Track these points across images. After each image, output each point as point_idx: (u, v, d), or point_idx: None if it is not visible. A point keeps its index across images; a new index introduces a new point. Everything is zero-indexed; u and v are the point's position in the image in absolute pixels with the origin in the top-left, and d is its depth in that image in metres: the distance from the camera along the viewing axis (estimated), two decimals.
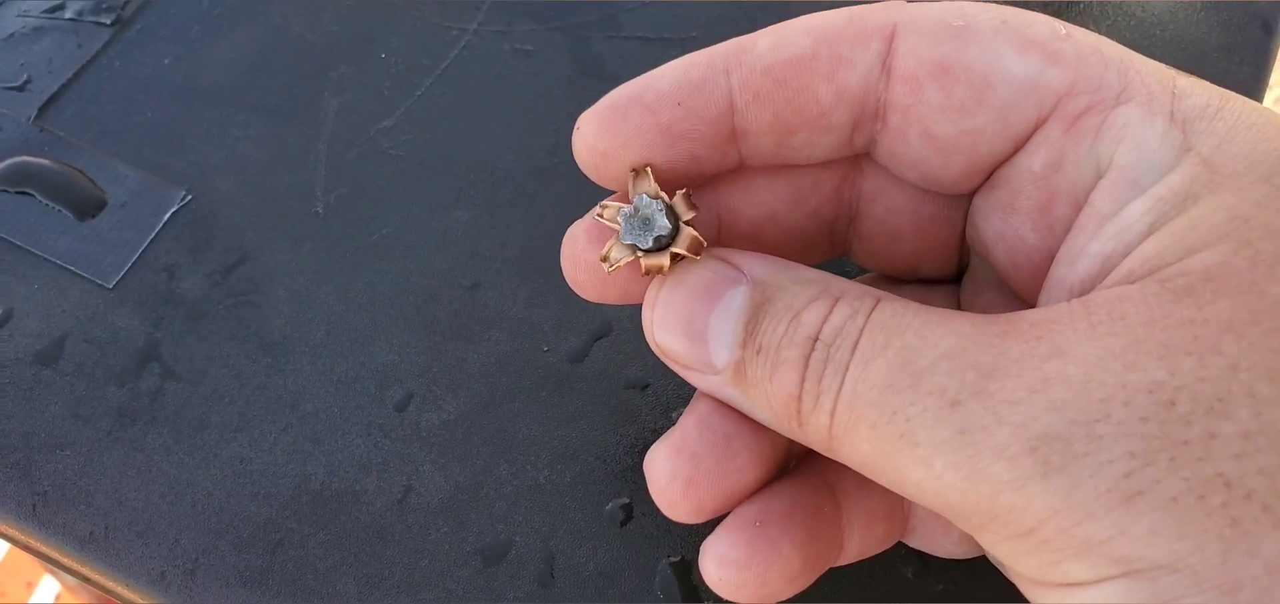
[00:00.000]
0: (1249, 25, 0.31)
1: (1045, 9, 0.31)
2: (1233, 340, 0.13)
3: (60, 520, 0.23)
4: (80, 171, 0.29)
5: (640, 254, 0.17)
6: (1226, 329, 0.13)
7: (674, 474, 0.17)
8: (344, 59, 0.31)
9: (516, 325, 0.26)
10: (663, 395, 0.25)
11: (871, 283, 0.20)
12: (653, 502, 0.23)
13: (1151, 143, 0.15)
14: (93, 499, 0.23)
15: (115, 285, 0.27)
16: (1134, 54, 0.16)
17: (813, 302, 0.16)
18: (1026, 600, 0.19)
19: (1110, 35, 0.18)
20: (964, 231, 0.20)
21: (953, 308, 0.19)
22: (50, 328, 0.26)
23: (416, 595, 0.22)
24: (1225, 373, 0.13)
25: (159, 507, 0.23)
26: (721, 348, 0.16)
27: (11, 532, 0.23)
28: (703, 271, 0.17)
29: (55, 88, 0.30)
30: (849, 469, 0.19)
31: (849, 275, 0.19)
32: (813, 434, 0.16)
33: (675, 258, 0.17)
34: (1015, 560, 0.14)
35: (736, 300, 0.16)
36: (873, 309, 0.15)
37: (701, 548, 0.18)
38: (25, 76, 0.30)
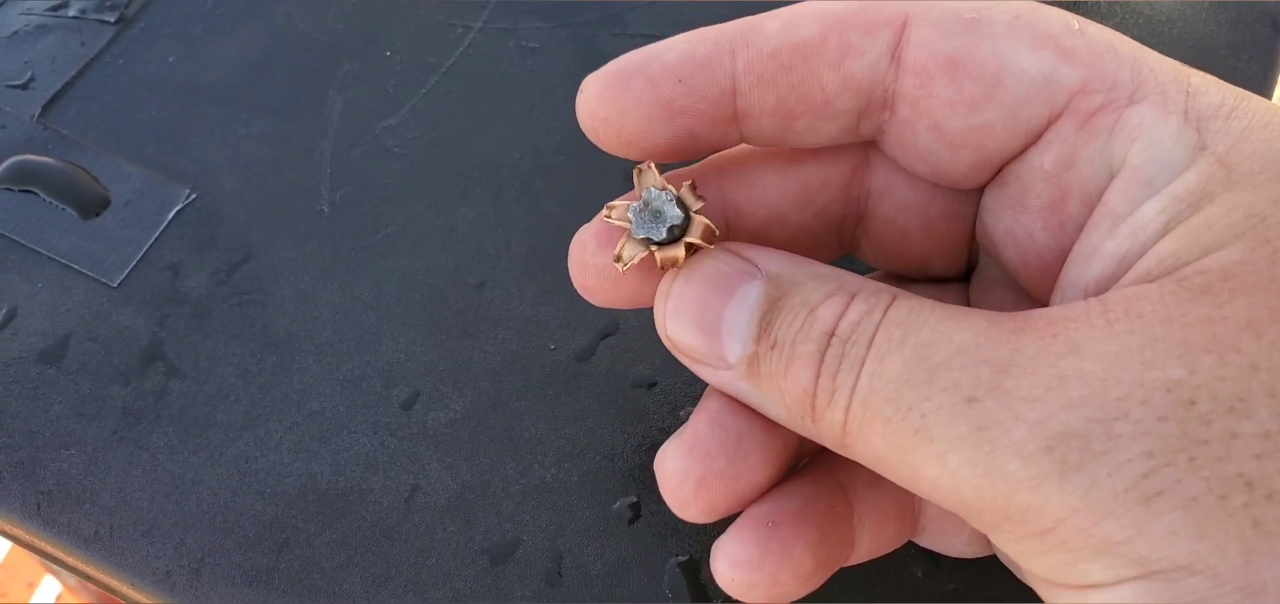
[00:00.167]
0: (1258, 22, 0.31)
1: (1054, 4, 0.31)
2: (1252, 338, 0.13)
3: (65, 520, 0.23)
4: (84, 170, 0.28)
5: (654, 248, 0.17)
6: (1245, 327, 0.13)
7: (686, 473, 0.17)
8: (348, 57, 0.31)
9: (523, 323, 0.26)
10: (670, 394, 0.25)
11: (880, 280, 0.20)
12: (660, 501, 0.23)
13: (1166, 142, 0.15)
14: (97, 498, 0.23)
15: (119, 284, 0.26)
16: (1147, 51, 0.16)
17: (829, 297, 0.16)
18: (1039, 601, 0.19)
19: (1119, 31, 0.17)
20: (973, 229, 0.20)
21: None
22: (54, 326, 0.26)
23: (423, 594, 0.22)
24: (1245, 372, 0.13)
25: (164, 506, 0.23)
26: (735, 342, 0.16)
27: (16, 531, 0.23)
28: (717, 265, 0.17)
29: (59, 86, 0.30)
30: (860, 468, 0.19)
31: (858, 273, 0.19)
32: (826, 430, 0.16)
33: (690, 249, 0.17)
34: (1031, 561, 0.14)
35: (751, 294, 0.16)
36: (889, 305, 0.15)
37: (713, 548, 0.18)
38: (29, 75, 0.30)
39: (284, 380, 0.25)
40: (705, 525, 0.23)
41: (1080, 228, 0.16)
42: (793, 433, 0.18)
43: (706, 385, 0.18)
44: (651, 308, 0.18)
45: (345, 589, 0.22)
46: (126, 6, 0.32)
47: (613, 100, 0.17)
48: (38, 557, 0.24)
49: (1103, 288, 0.15)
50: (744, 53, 0.17)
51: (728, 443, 0.17)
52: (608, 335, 0.26)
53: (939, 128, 0.17)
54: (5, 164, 0.28)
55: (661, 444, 0.18)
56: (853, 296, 0.16)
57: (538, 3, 0.32)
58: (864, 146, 0.19)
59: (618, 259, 0.17)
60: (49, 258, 0.27)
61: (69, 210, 0.28)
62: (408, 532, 0.23)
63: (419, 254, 0.27)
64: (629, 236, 0.17)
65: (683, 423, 0.18)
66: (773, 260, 0.17)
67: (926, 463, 0.14)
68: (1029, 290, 0.18)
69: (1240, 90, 0.15)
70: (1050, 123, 0.16)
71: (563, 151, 0.29)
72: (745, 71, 0.17)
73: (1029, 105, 0.16)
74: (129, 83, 0.30)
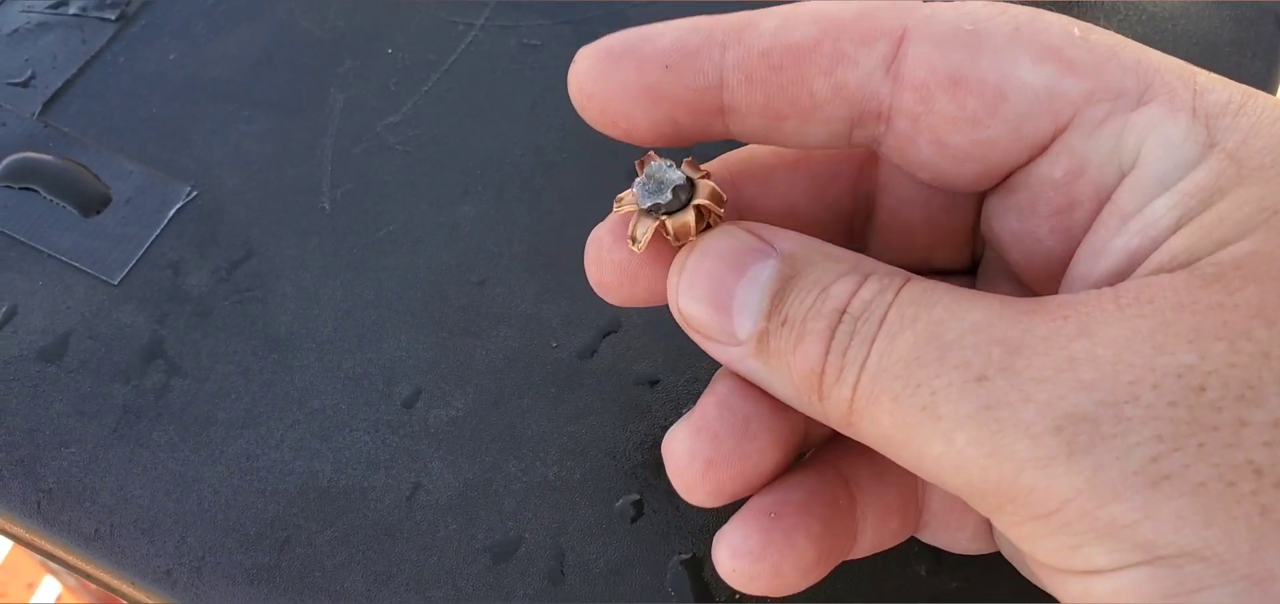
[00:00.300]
0: (1261, 19, 0.31)
1: (1055, 6, 0.31)
2: (1264, 326, 0.13)
3: (65, 518, 0.23)
4: (85, 167, 0.28)
5: (664, 217, 0.17)
6: (1257, 315, 0.13)
7: (694, 454, 0.17)
8: (350, 54, 0.31)
9: (525, 321, 0.26)
10: (673, 391, 0.25)
11: None
12: (663, 498, 0.23)
13: (1175, 139, 0.15)
14: (97, 496, 0.23)
15: (120, 282, 0.26)
16: (1152, 52, 0.16)
17: (842, 276, 0.16)
18: (1042, 597, 0.19)
19: (1122, 31, 0.17)
20: (977, 224, 0.20)
21: None
22: (55, 324, 0.26)
23: (425, 593, 0.22)
24: (1256, 359, 0.13)
25: (164, 504, 0.23)
26: (746, 318, 0.16)
27: (16, 529, 0.23)
28: (732, 242, 0.17)
29: (60, 83, 0.30)
30: (864, 461, 0.19)
31: None
32: (832, 409, 0.16)
33: (700, 215, 0.17)
34: (1034, 544, 0.14)
35: (765, 272, 0.16)
36: (902, 286, 0.15)
37: (715, 538, 0.18)
38: (30, 72, 0.30)
39: (285, 378, 0.25)
40: (708, 524, 0.23)
41: (1088, 230, 0.16)
42: (800, 417, 0.18)
43: (711, 379, 0.18)
44: (665, 305, 0.18)
45: (347, 588, 0.22)
46: (127, 4, 0.32)
47: (600, 78, 0.17)
48: (38, 556, 0.24)
49: (1111, 283, 0.15)
50: (735, 48, 0.17)
51: (736, 425, 0.17)
52: (610, 333, 0.25)
53: (941, 143, 0.17)
54: (6, 162, 0.28)
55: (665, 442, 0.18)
56: (866, 277, 0.15)
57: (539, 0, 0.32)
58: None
59: (632, 240, 0.18)
60: (49, 255, 0.27)
61: (69, 208, 0.28)
62: (409, 530, 0.23)
63: (420, 251, 0.27)
64: (639, 215, 0.17)
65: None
66: (788, 240, 0.17)
67: (932, 441, 0.14)
68: (1035, 288, 0.18)
69: (1247, 87, 0.15)
70: (1055, 136, 0.16)
71: (564, 149, 0.29)
72: (735, 68, 0.17)
73: (1033, 119, 0.16)
74: (130, 80, 0.30)
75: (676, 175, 0.17)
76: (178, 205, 0.28)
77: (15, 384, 0.25)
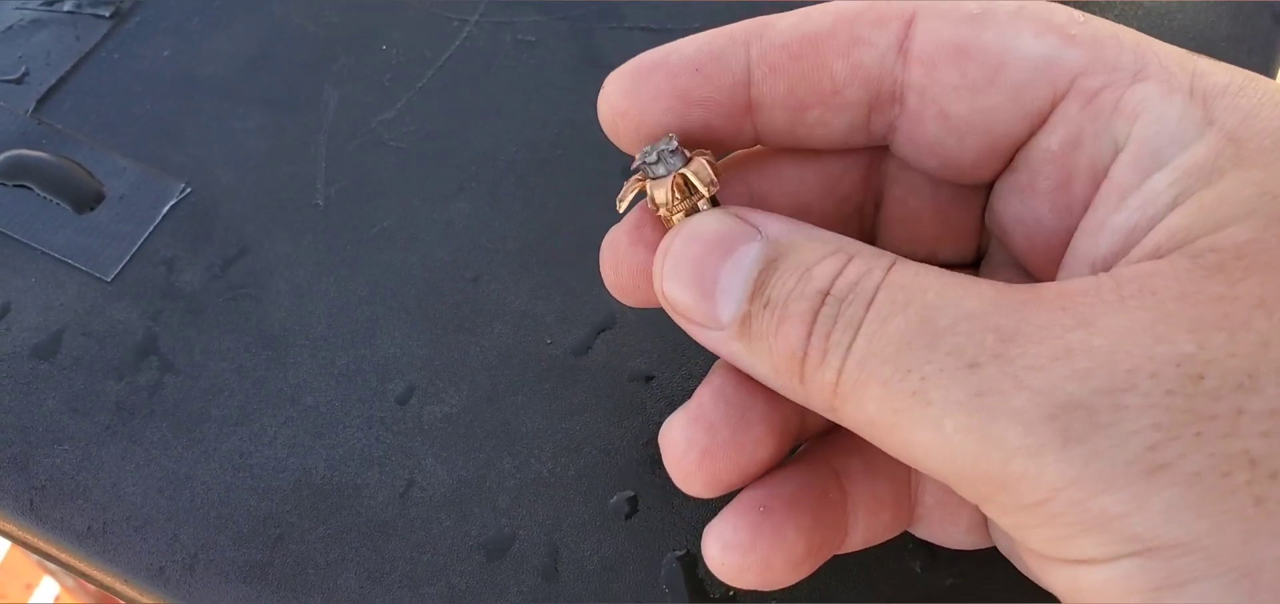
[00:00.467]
0: (1258, 15, 0.31)
1: None
2: (1264, 317, 0.13)
3: (58, 515, 0.23)
4: (78, 164, 0.28)
5: (648, 181, 0.18)
6: (1258, 306, 0.13)
7: (690, 443, 0.17)
8: (344, 51, 0.31)
9: (519, 318, 0.26)
10: (668, 388, 0.25)
11: None
12: (658, 495, 0.23)
13: (1171, 116, 0.15)
14: (90, 494, 0.23)
15: (113, 279, 0.26)
16: (1151, 39, 0.16)
17: (825, 258, 0.16)
18: (1037, 593, 0.19)
19: (1119, 23, 0.18)
20: (983, 216, 0.20)
21: None
22: (48, 321, 0.26)
23: (419, 590, 0.22)
24: (1256, 349, 0.13)
25: (157, 501, 0.23)
26: (729, 301, 0.16)
27: (8, 527, 0.23)
28: (718, 224, 0.17)
29: (53, 80, 0.30)
30: (855, 454, 0.19)
31: None
32: (815, 392, 0.15)
33: (684, 186, 0.17)
34: (1024, 533, 0.14)
35: (749, 254, 0.16)
36: (890, 268, 0.15)
37: (705, 531, 0.18)
38: (23, 69, 0.30)
39: (279, 375, 0.25)
40: (702, 521, 0.23)
41: (1087, 208, 0.16)
42: (797, 408, 0.18)
43: (706, 373, 0.18)
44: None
45: (340, 585, 0.22)
46: (121, 1, 0.32)
47: (631, 94, 0.18)
48: (31, 554, 0.24)
49: (1110, 261, 0.15)
50: (757, 44, 0.18)
51: (732, 414, 0.17)
52: (604, 329, 0.25)
53: (945, 114, 0.17)
54: None
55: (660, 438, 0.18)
56: (850, 258, 0.15)
57: None
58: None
59: (621, 200, 0.18)
60: (43, 252, 0.27)
61: (63, 205, 0.28)
62: (403, 527, 0.23)
63: (415, 248, 0.27)
64: (629, 181, 0.18)
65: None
66: (774, 223, 0.17)
67: (921, 427, 0.14)
68: (1038, 276, 0.18)
69: (1248, 72, 0.15)
70: (1054, 105, 0.16)
71: (559, 145, 0.28)
72: (758, 61, 0.18)
73: (1032, 87, 0.16)
74: (124, 77, 0.30)
75: (671, 145, 0.17)
76: (171, 202, 0.28)
77: (8, 381, 0.25)
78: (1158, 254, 0.14)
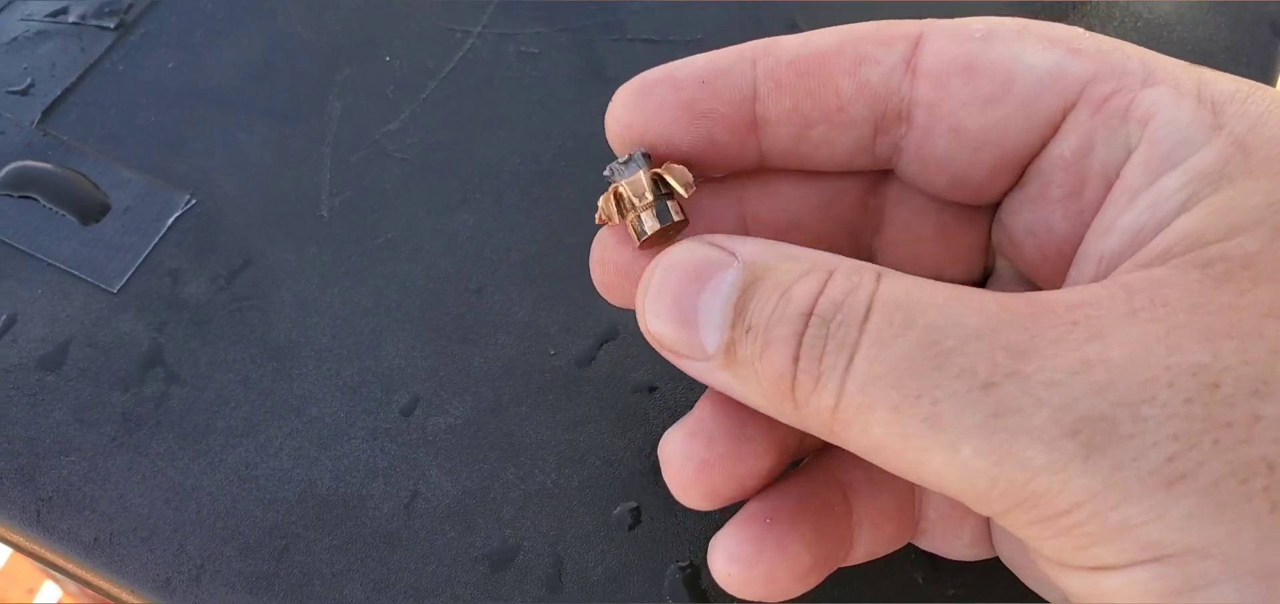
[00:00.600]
0: (1257, 26, 0.31)
1: (1053, 9, 0.31)
2: (1274, 324, 0.13)
3: (65, 526, 0.23)
4: (84, 176, 0.28)
5: (619, 185, 0.18)
6: (1267, 313, 0.13)
7: (688, 456, 0.17)
8: (348, 62, 0.31)
9: (523, 329, 0.26)
10: (671, 399, 0.25)
11: None
12: (661, 506, 0.23)
13: (1182, 119, 0.15)
14: (97, 505, 0.23)
15: (119, 290, 0.26)
16: (1155, 53, 0.17)
17: (803, 277, 0.15)
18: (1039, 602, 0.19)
19: (1117, 36, 0.18)
20: (988, 237, 0.20)
21: None
22: (54, 333, 0.26)
23: (424, 601, 0.22)
24: (1267, 356, 0.13)
25: (164, 512, 0.23)
26: (712, 330, 0.16)
27: (16, 538, 0.23)
28: (692, 254, 0.16)
29: (58, 92, 0.30)
30: (860, 468, 0.19)
31: None
32: (812, 416, 0.15)
33: (656, 183, 0.17)
34: (1039, 543, 0.14)
35: (726, 281, 0.16)
36: (877, 283, 0.15)
37: (711, 544, 0.18)
38: (29, 80, 0.30)
39: (284, 386, 0.25)
40: (705, 532, 0.23)
41: (1098, 211, 0.17)
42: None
43: (707, 389, 0.18)
44: None
45: (346, 596, 0.22)
46: (126, 12, 0.32)
47: (636, 107, 0.18)
48: (38, 563, 0.24)
49: (1118, 261, 0.15)
50: (764, 61, 0.18)
51: (730, 428, 0.18)
52: (608, 341, 0.26)
53: (958, 129, 0.17)
54: (5, 170, 0.28)
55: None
56: (830, 274, 0.15)
57: (537, 8, 0.32)
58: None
59: (598, 216, 0.18)
60: (48, 264, 0.27)
61: (68, 216, 0.28)
62: (408, 538, 0.23)
63: (418, 259, 0.27)
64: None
65: None
66: (749, 246, 0.16)
67: (933, 452, 0.14)
68: (1048, 287, 0.18)
69: (1251, 81, 0.16)
70: (1065, 113, 0.17)
71: (562, 157, 0.29)
72: (764, 77, 0.18)
73: (1043, 97, 0.17)
74: (128, 89, 0.30)
75: (641, 152, 0.18)
76: (176, 214, 0.28)
77: (15, 392, 0.25)
78: (1167, 257, 0.14)
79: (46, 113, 0.30)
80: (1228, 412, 0.13)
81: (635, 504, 0.23)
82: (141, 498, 0.23)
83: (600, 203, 0.18)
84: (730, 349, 0.16)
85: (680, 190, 0.17)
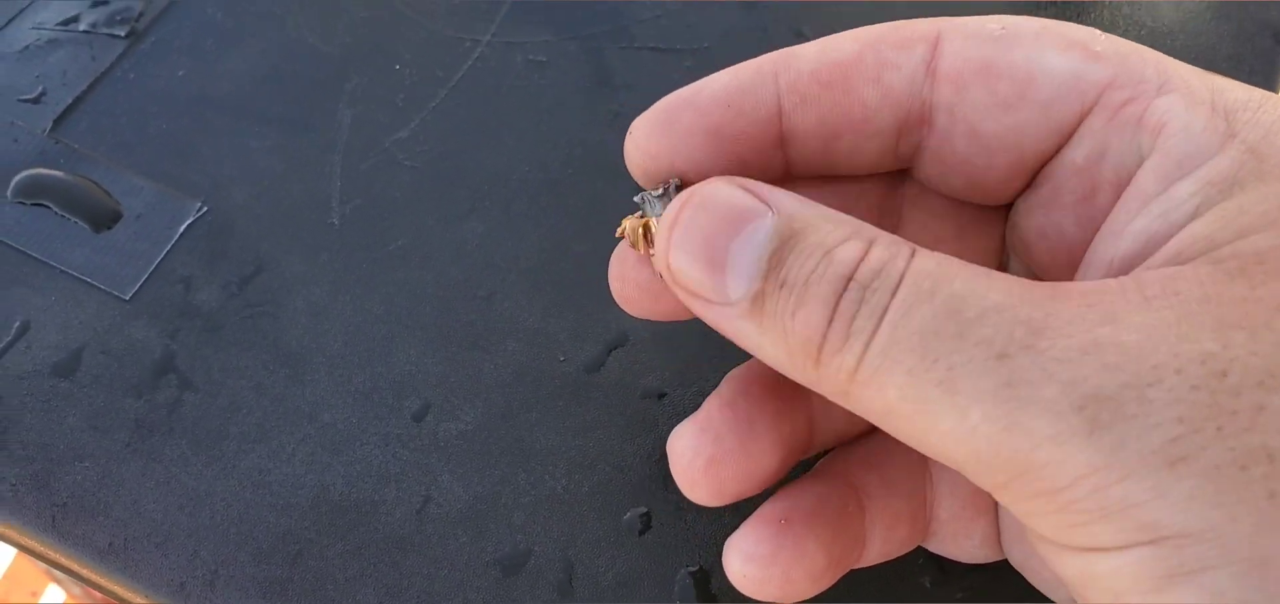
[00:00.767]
0: (1259, 34, 0.31)
1: (1057, 14, 0.32)
2: None
3: (79, 532, 0.23)
4: (95, 183, 0.29)
5: (651, 219, 0.18)
6: (1278, 308, 0.13)
7: (697, 452, 0.18)
8: (358, 70, 0.31)
9: (532, 335, 0.26)
10: (680, 404, 0.25)
11: None
12: (671, 511, 0.23)
13: (1196, 127, 0.15)
14: (111, 510, 0.23)
15: (132, 297, 0.27)
16: (1171, 58, 0.17)
17: (846, 241, 0.15)
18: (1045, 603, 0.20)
19: None
20: (1003, 237, 0.20)
21: None
22: (67, 340, 0.26)
23: None
24: (1276, 349, 0.13)
25: (177, 517, 0.23)
26: (741, 278, 0.16)
27: (30, 543, 0.23)
28: (727, 197, 0.16)
29: (70, 100, 0.30)
30: (874, 471, 0.19)
31: None
32: (828, 376, 0.15)
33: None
34: (1037, 520, 0.14)
35: (762, 230, 0.16)
36: (913, 256, 0.15)
37: (726, 544, 0.18)
38: (40, 89, 0.30)
39: (296, 393, 0.25)
40: (716, 536, 0.23)
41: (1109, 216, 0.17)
42: (804, 420, 0.18)
43: (717, 387, 0.19)
44: (685, 322, 0.19)
45: (359, 600, 0.22)
46: (137, 21, 0.32)
47: (662, 136, 0.18)
48: (51, 568, 0.24)
49: (1129, 265, 0.16)
50: (785, 75, 0.18)
51: (739, 425, 0.18)
52: (617, 347, 0.26)
53: (976, 132, 0.17)
54: (17, 178, 0.29)
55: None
56: (872, 242, 0.15)
57: (545, 16, 0.32)
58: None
59: (620, 234, 0.18)
60: (61, 271, 0.27)
61: (81, 224, 0.28)
62: (420, 543, 0.23)
63: (429, 266, 0.27)
64: (636, 217, 0.18)
65: None
66: (786, 199, 0.16)
67: (944, 415, 0.14)
68: None
69: (1263, 91, 0.16)
70: (1082, 118, 0.17)
71: (571, 164, 0.29)
72: (788, 91, 0.18)
73: (1061, 102, 0.17)
74: (140, 97, 0.30)
75: (676, 184, 0.18)
76: (188, 221, 0.28)
77: (29, 399, 0.25)
78: (1180, 259, 0.14)
79: (58, 121, 0.30)
80: (1233, 400, 0.13)
81: (645, 509, 0.23)
82: (155, 504, 0.24)
83: (627, 227, 0.18)
84: (758, 300, 0.16)
85: None
